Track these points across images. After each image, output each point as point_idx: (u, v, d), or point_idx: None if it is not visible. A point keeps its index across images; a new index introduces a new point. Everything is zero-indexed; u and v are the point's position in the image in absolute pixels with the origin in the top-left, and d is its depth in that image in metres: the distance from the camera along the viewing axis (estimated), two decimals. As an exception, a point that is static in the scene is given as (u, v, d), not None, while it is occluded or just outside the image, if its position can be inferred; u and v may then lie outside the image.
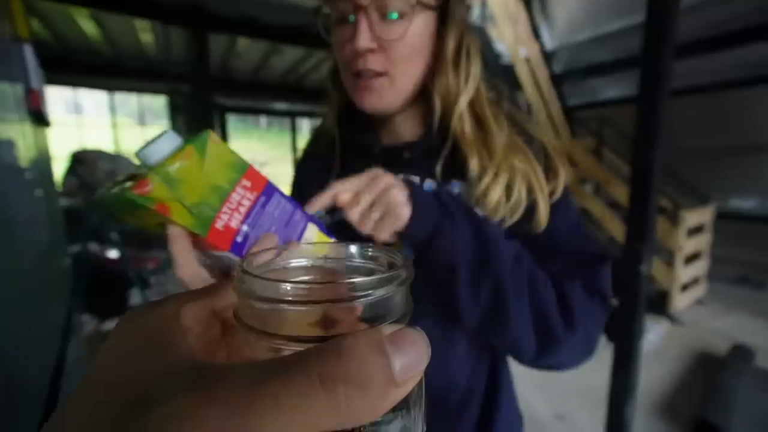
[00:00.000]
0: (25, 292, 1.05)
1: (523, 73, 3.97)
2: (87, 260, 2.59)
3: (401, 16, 0.45)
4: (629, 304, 1.43)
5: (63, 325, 1.50)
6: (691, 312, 3.15)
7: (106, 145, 5.50)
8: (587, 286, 0.48)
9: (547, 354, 0.46)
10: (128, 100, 6.53)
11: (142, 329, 0.15)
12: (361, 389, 0.11)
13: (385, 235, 0.42)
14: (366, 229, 0.41)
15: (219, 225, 0.30)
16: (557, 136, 4.02)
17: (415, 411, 0.15)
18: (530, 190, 0.49)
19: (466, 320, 0.45)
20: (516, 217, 0.49)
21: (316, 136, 0.65)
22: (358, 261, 0.18)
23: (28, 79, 1.40)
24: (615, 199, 3.74)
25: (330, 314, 0.14)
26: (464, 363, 0.53)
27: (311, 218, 0.37)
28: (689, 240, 3.17)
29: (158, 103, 6.54)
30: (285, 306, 0.13)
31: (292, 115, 7.10)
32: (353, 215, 0.41)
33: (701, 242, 3.36)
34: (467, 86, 0.51)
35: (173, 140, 0.29)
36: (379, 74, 0.48)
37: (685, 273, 3.15)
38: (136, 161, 0.30)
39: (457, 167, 0.50)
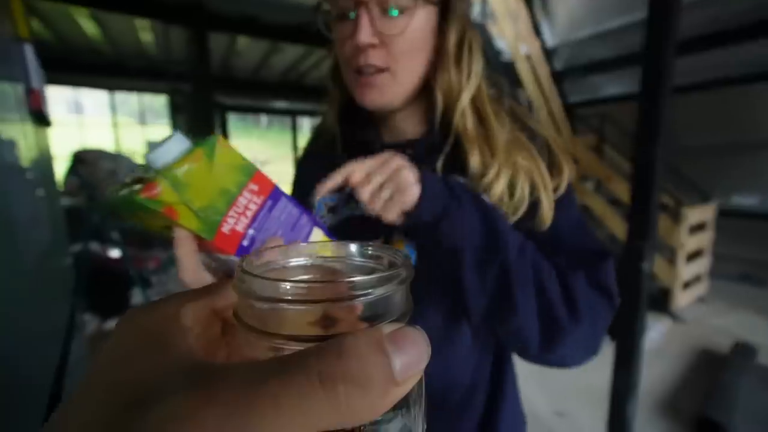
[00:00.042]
0: (27, 292, 1.06)
1: (523, 71, 3.96)
2: (88, 260, 2.60)
3: (402, 11, 0.45)
4: (631, 301, 1.43)
5: (65, 325, 1.51)
6: (693, 309, 3.15)
7: (107, 145, 5.51)
8: (590, 281, 0.48)
9: (551, 346, 0.46)
10: (129, 100, 6.54)
11: (142, 329, 0.15)
12: (361, 388, 0.11)
13: (393, 214, 0.42)
14: (376, 207, 0.42)
15: (225, 229, 0.30)
16: (558, 133, 4.01)
17: (415, 410, 0.15)
18: (533, 188, 0.49)
19: (471, 307, 0.45)
20: (519, 214, 0.48)
21: (317, 134, 0.65)
22: (358, 260, 0.18)
23: (29, 79, 1.40)
24: (616, 197, 3.73)
25: (330, 313, 0.14)
26: (467, 360, 0.53)
27: (317, 222, 0.37)
28: (691, 237, 3.16)
29: (159, 102, 6.54)
30: (285, 305, 0.13)
31: (293, 113, 7.10)
32: (364, 194, 0.42)
33: (703, 240, 3.35)
34: (469, 82, 0.50)
35: (181, 143, 0.29)
36: (381, 70, 0.48)
37: (686, 270, 3.15)
38: (139, 161, 0.30)
39: (458, 164, 0.50)
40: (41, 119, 1.52)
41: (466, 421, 0.53)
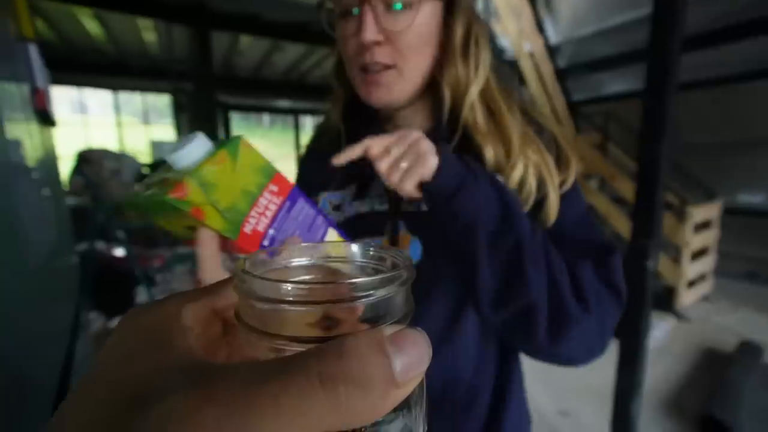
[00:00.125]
0: (32, 291, 1.07)
1: (527, 68, 3.94)
2: (94, 258, 2.62)
3: (406, 6, 0.45)
4: (635, 300, 1.42)
5: (71, 324, 1.52)
6: (698, 308, 3.13)
7: (111, 145, 5.55)
8: (599, 276, 0.47)
9: (559, 338, 0.45)
10: (132, 100, 6.58)
11: (143, 327, 0.15)
12: (362, 389, 0.11)
13: (411, 185, 0.42)
14: (394, 179, 0.42)
15: (247, 229, 0.30)
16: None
17: (416, 411, 0.15)
18: (541, 182, 0.48)
19: (481, 290, 0.44)
20: (525, 209, 0.48)
21: (319, 132, 0.65)
22: (359, 260, 0.18)
23: (34, 79, 1.41)
24: (620, 195, 3.71)
25: (331, 314, 0.14)
26: (471, 358, 0.53)
27: (331, 223, 0.38)
28: (696, 236, 3.14)
29: (162, 101, 6.57)
30: (285, 306, 0.13)
31: (295, 112, 7.11)
32: (382, 165, 0.42)
33: (708, 238, 3.33)
34: (477, 75, 0.50)
35: (204, 144, 0.29)
36: (388, 67, 0.47)
37: (691, 269, 3.13)
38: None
39: None
40: (46, 119, 1.53)
41: (470, 421, 0.53)
